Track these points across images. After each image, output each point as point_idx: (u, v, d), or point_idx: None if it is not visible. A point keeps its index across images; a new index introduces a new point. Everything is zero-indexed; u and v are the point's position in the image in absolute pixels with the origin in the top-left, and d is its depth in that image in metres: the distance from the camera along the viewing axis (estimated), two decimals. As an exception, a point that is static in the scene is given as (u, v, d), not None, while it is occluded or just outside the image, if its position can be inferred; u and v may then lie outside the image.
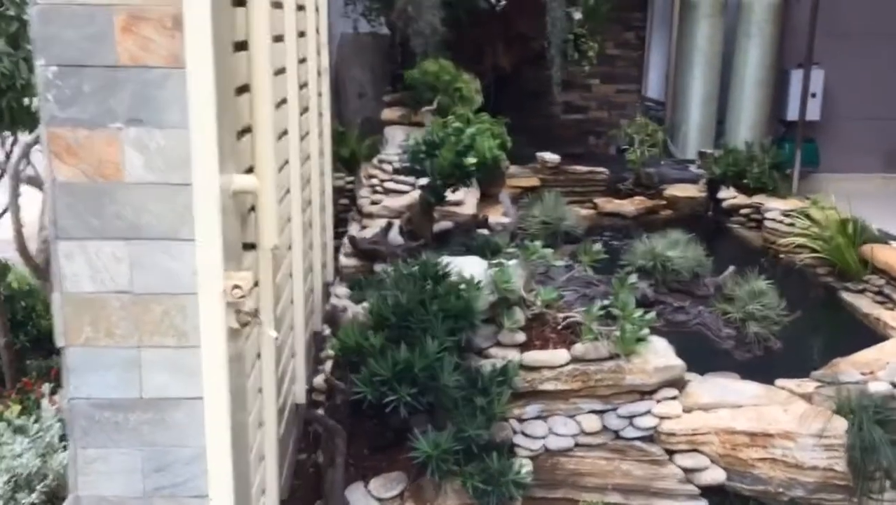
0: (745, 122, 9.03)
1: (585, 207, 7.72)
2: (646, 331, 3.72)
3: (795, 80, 8.75)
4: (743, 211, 7.22)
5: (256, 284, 2.80)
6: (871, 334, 4.94)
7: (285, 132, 3.64)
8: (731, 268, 4.77)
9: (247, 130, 2.60)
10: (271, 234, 2.69)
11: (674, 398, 3.65)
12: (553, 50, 7.54)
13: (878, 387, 3.70)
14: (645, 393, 3.62)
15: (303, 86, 4.21)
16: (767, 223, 6.77)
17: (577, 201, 7.69)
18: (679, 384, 3.72)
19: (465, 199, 5.54)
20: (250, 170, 2.63)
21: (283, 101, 3.60)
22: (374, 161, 6.31)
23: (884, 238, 5.90)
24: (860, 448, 3.42)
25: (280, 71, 3.43)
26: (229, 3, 2.34)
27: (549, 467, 3.57)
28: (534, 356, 3.55)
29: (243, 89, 2.56)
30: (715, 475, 3.56)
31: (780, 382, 3.89)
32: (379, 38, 8.31)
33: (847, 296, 5.59)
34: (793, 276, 5.91)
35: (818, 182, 8.80)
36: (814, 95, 8.75)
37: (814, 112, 8.92)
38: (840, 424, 3.52)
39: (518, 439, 3.53)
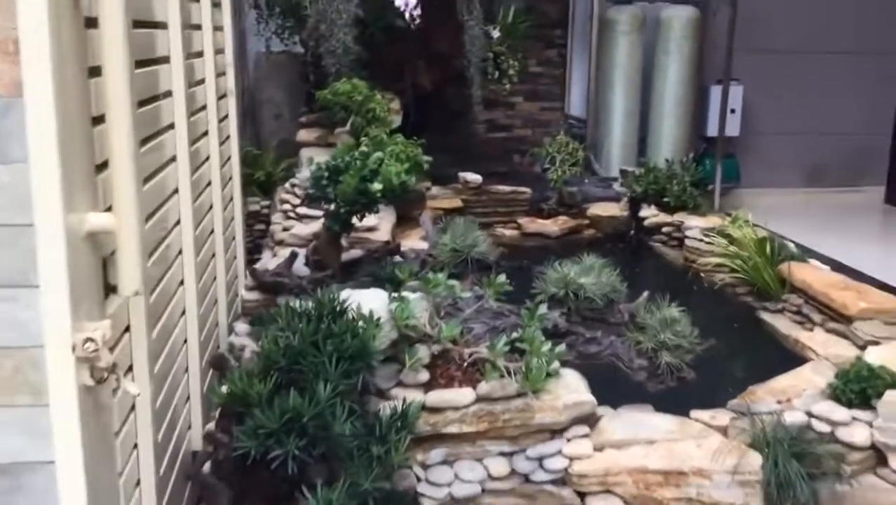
0: (667, 139, 9.02)
1: (509, 228, 7.61)
2: (556, 364, 3.56)
3: (715, 96, 8.79)
4: (664, 229, 7.14)
5: (128, 329, 2.60)
6: (790, 357, 4.83)
7: (173, 159, 3.41)
8: (645, 293, 4.64)
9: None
10: (132, 278, 2.42)
11: (585, 436, 3.48)
12: (472, 68, 7.43)
13: (793, 417, 3.60)
14: (555, 432, 3.44)
15: (198, 110, 3.98)
16: (688, 242, 6.70)
17: (501, 222, 7.60)
18: (591, 421, 3.55)
19: (379, 225, 5.31)
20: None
21: (171, 126, 3.37)
22: (287, 185, 6.07)
23: (802, 256, 5.86)
24: (776, 484, 3.30)
25: (160, 95, 3.20)
26: (80, 24, 2.12)
27: (456, 516, 3.38)
28: (437, 396, 3.34)
29: (102, 119, 2.34)
30: (628, 517, 3.41)
31: (694, 413, 3.75)
32: (293, 57, 8.08)
33: (766, 316, 5.49)
34: (713, 296, 5.83)
35: (739, 198, 8.84)
36: (733, 111, 8.80)
37: (733, 128, 8.98)
38: (755, 459, 3.40)
39: (422, 488, 3.31)
